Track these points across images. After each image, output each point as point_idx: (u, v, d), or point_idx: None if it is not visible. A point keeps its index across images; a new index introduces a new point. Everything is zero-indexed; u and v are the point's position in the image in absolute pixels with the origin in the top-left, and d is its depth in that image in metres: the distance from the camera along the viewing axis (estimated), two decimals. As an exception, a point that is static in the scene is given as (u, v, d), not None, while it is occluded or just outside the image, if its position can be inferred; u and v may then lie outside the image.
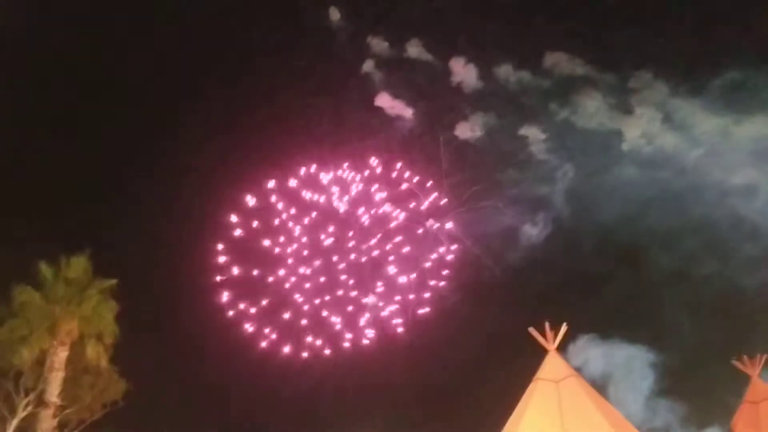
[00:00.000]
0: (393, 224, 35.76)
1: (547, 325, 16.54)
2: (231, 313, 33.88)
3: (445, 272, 35.18)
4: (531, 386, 16.04)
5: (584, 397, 15.42)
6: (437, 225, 35.32)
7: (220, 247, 34.30)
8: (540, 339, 16.44)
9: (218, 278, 33.92)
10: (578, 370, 19.75)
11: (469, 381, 31.65)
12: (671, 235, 31.40)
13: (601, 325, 29.14)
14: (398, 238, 35.61)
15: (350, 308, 35.40)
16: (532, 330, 16.60)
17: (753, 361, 20.55)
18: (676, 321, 29.56)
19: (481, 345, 31.47)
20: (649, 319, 30.72)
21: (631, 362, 28.48)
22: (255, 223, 34.92)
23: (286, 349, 34.13)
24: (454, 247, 35.03)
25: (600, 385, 26.82)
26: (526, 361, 17.00)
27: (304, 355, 34.14)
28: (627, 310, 31.33)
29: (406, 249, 35.68)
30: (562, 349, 17.06)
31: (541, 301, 31.24)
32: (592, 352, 28.32)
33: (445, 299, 35.00)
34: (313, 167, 35.60)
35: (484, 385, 29.90)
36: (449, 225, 35.02)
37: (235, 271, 34.43)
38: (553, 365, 16.12)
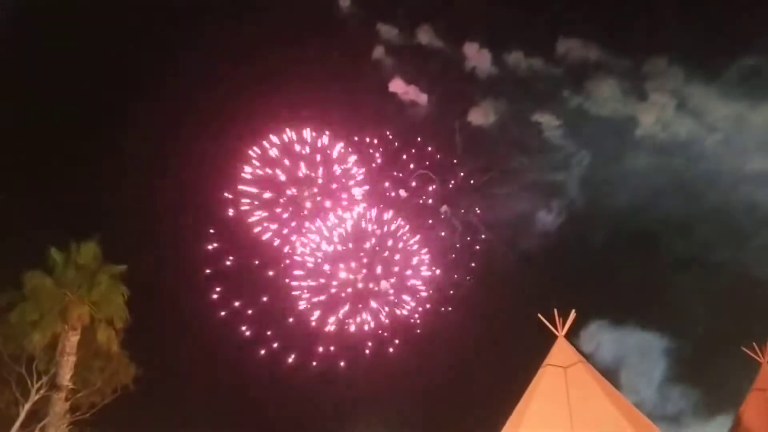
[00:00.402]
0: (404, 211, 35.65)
1: (555, 311, 16.52)
2: (223, 313, 33.91)
3: (465, 263, 35.23)
4: (540, 372, 16.07)
5: (592, 383, 15.42)
6: (457, 210, 35.08)
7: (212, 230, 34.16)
8: (549, 326, 16.42)
9: (207, 271, 33.55)
10: (591, 355, 19.68)
11: (481, 367, 31.70)
12: (685, 222, 31.13)
13: (615, 312, 29.17)
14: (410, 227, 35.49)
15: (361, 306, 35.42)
16: (540, 316, 16.58)
17: (763, 349, 20.36)
18: (689, 308, 29.40)
19: (494, 331, 31.49)
20: (663, 305, 30.59)
21: (644, 348, 28.40)
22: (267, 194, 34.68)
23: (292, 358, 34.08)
24: (483, 237, 34.93)
25: (613, 370, 26.90)
26: (539, 347, 16.93)
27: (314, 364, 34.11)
28: (640, 297, 31.23)
29: (420, 237, 35.62)
30: (574, 335, 17.03)
31: (555, 288, 31.19)
32: (605, 337, 28.30)
33: (461, 287, 35.05)
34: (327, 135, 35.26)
35: (496, 371, 29.96)
36: (477, 211, 34.77)
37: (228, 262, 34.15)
38: (561, 351, 16.11)
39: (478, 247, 35.45)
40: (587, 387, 15.32)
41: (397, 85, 35.88)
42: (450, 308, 35.10)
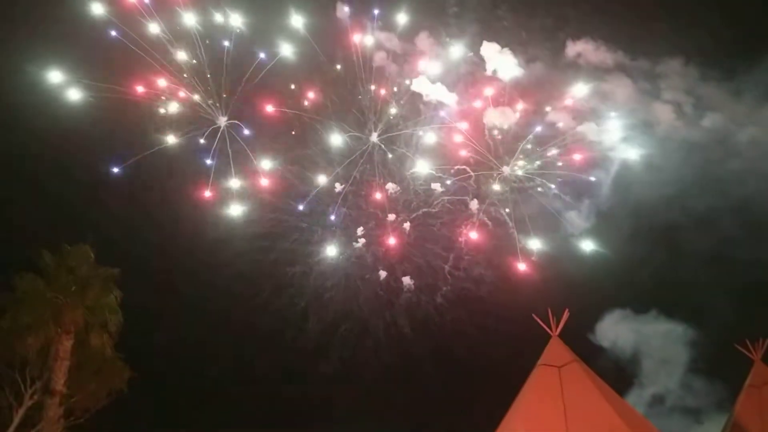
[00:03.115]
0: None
1: (549, 310, 16.60)
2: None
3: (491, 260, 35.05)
4: (534, 372, 16.10)
5: (586, 382, 15.44)
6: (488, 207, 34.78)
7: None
8: (542, 325, 16.49)
9: None
10: (612, 345, 19.26)
11: (490, 365, 31.65)
12: (710, 218, 30.88)
13: (637, 303, 29.50)
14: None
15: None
16: (534, 316, 16.66)
17: (756, 346, 20.47)
18: (713, 303, 29.36)
19: (508, 329, 31.35)
20: (687, 299, 30.56)
21: (668, 340, 28.65)
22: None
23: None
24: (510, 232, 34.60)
25: (634, 361, 27.04)
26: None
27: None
28: (664, 290, 31.19)
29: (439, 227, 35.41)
30: (589, 329, 17.13)
31: (576, 283, 31.08)
32: (626, 327, 28.54)
33: (474, 282, 34.98)
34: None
35: (503, 371, 29.94)
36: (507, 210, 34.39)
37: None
38: (555, 351, 16.16)
39: (498, 242, 35.25)
40: (582, 386, 15.35)
41: (421, 85, 35.67)
42: (460, 298, 34.95)
